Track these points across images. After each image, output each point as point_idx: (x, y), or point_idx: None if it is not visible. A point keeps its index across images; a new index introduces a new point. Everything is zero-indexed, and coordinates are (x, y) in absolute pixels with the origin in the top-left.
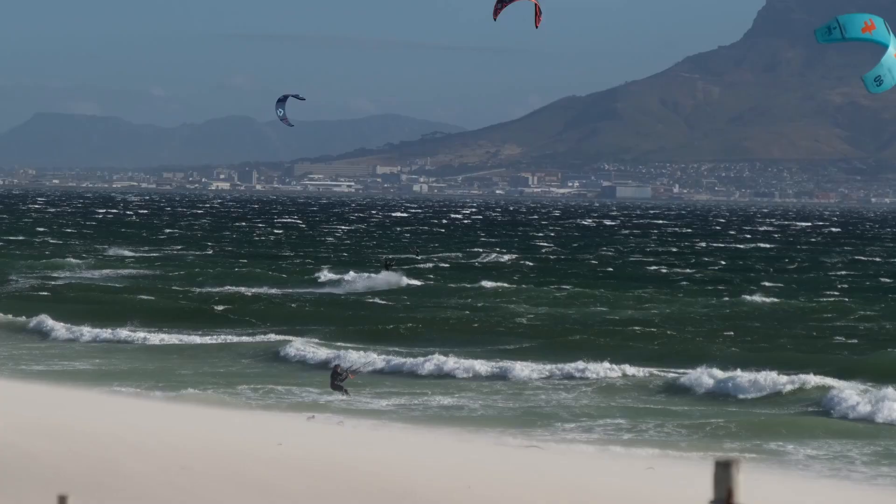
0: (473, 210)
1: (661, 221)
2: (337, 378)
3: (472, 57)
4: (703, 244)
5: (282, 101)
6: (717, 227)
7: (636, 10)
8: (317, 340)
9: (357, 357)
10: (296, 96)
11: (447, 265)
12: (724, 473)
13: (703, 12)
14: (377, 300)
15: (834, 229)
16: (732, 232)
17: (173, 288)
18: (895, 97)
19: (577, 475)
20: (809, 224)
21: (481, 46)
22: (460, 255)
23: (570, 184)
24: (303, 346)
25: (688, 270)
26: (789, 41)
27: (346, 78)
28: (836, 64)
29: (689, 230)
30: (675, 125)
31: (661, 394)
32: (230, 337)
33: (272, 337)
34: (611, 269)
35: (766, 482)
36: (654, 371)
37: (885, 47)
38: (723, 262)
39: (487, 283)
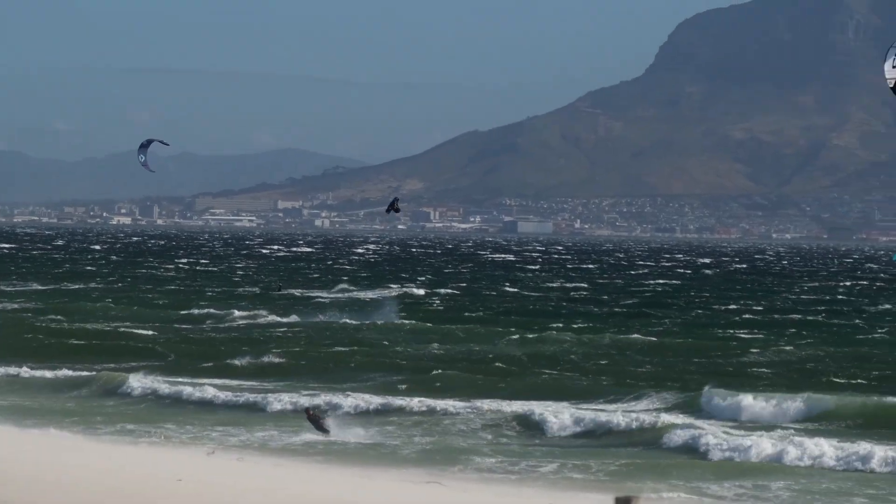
0: (373, 247)
1: (566, 256)
2: (318, 421)
3: (374, 91)
4: (606, 279)
5: (144, 146)
6: (622, 261)
7: (538, 45)
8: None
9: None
10: (160, 141)
11: (345, 298)
12: None
13: (605, 47)
14: (254, 334)
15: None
16: (646, 267)
17: (36, 324)
18: (794, 133)
19: None
20: (711, 260)
21: (384, 81)
22: (364, 290)
23: (471, 219)
24: (147, 380)
25: (593, 308)
26: (691, 76)
27: (248, 112)
28: (737, 99)
29: (593, 266)
30: (576, 160)
31: (537, 432)
32: (82, 372)
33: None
34: (512, 305)
35: None
36: (531, 407)
37: None
38: (632, 301)
39: (379, 321)
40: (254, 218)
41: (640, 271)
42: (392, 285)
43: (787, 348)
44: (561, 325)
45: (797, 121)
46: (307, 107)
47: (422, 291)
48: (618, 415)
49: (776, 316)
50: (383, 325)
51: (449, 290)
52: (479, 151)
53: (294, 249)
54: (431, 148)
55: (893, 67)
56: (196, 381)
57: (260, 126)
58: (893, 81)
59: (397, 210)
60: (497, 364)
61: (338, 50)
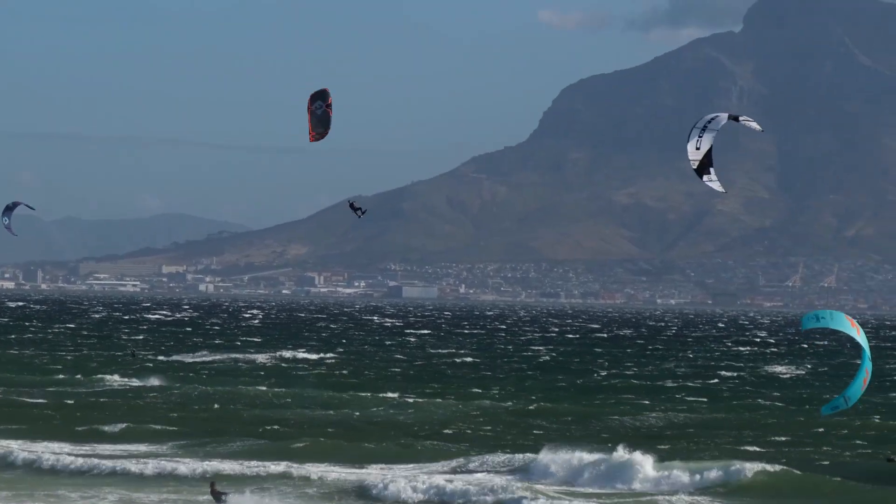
0: (258, 312)
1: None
2: (220, 497)
3: (259, 156)
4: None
5: (9, 209)
6: (513, 327)
7: (422, 110)
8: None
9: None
10: (26, 205)
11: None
12: None
13: (489, 112)
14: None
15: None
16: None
17: None
18: (679, 199)
19: None
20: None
21: (269, 146)
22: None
23: (356, 283)
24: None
25: (483, 373)
26: (575, 141)
27: (133, 176)
28: (621, 165)
29: (482, 331)
30: (461, 225)
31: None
32: None
33: None
34: (398, 370)
35: None
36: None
37: (863, 356)
38: (520, 366)
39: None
40: (137, 283)
41: (531, 336)
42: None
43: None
44: (439, 388)
45: (681, 186)
46: (192, 171)
47: (307, 355)
48: (457, 482)
49: (666, 381)
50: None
51: (333, 355)
52: (363, 216)
53: (178, 315)
54: (316, 212)
55: (697, 149)
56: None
57: (144, 190)
58: (696, 163)
59: (361, 211)
60: (363, 428)
61: (222, 114)
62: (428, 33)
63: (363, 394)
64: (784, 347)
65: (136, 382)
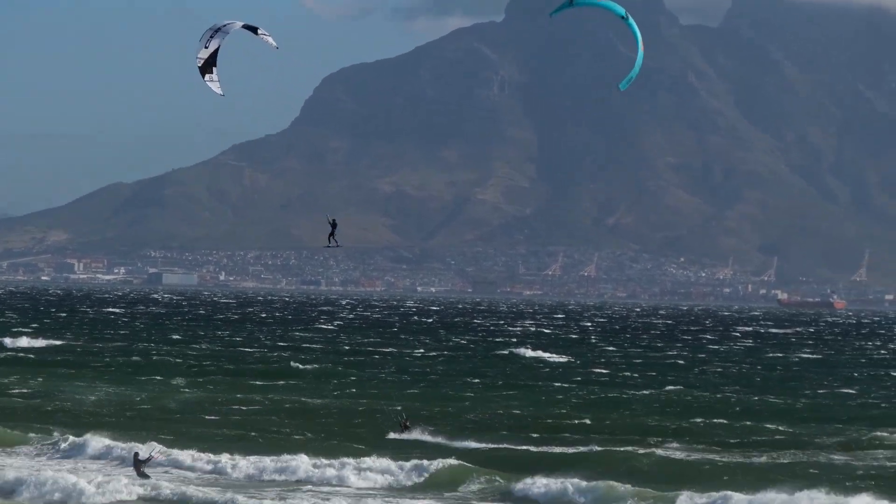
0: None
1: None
2: (141, 465)
3: (17, 142)
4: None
5: None
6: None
7: (182, 97)
8: None
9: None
10: None
11: None
12: None
13: (250, 100)
14: None
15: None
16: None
17: None
18: (440, 188)
19: None
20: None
21: (27, 132)
22: None
23: (116, 270)
24: None
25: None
26: (336, 130)
27: None
28: (382, 154)
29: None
30: (222, 213)
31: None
32: None
33: None
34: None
35: None
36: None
37: (620, 16)
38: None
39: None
40: None
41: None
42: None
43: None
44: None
45: (442, 175)
46: None
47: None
48: None
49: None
50: None
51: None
52: (124, 203)
53: None
54: (76, 199)
55: (206, 48)
56: None
57: None
58: (201, 62)
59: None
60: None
61: None
62: (191, 18)
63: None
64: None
65: None
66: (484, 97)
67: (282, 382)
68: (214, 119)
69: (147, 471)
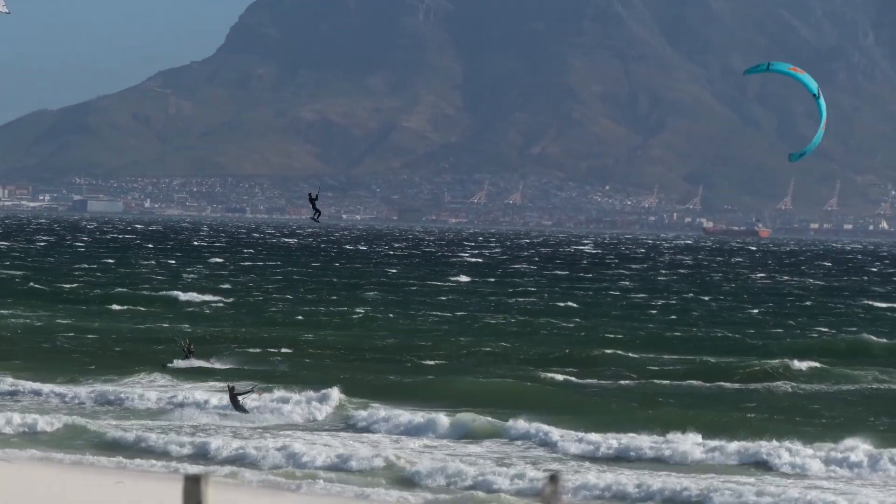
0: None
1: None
2: (237, 399)
3: None
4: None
5: None
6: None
7: (108, 23)
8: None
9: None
10: None
11: None
12: (193, 488)
13: (175, 27)
14: None
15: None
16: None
17: None
18: (365, 115)
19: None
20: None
21: None
22: None
23: (41, 197)
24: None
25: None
26: (261, 57)
27: None
28: (308, 82)
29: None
30: (147, 140)
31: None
32: None
33: None
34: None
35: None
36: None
37: (812, 95)
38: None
39: None
40: None
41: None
42: None
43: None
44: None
45: (368, 103)
46: None
47: None
48: None
49: None
50: None
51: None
52: (48, 130)
53: None
54: (0, 126)
55: None
56: None
57: None
58: None
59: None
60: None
61: None
62: None
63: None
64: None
65: None
66: (410, 25)
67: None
68: (139, 45)
69: None
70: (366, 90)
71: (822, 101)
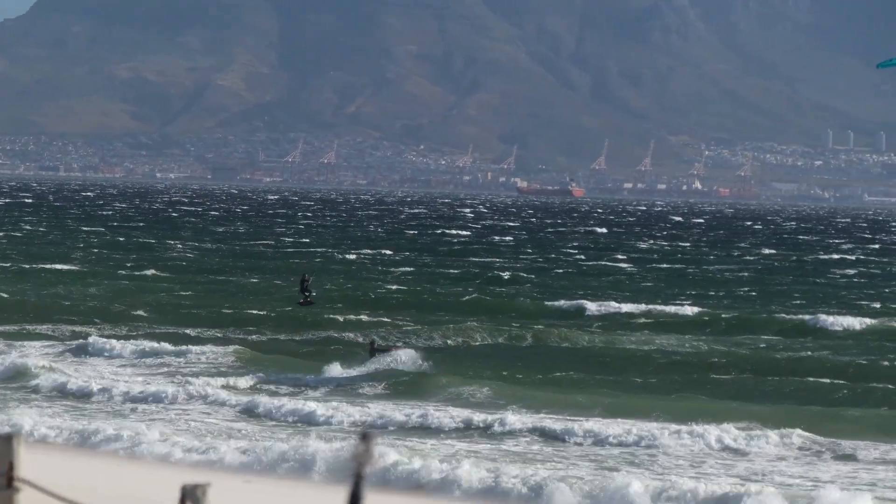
0: None
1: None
2: (376, 353)
3: None
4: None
5: None
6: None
7: None
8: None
9: None
10: None
11: None
12: (4, 447)
13: None
14: None
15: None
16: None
17: None
18: (180, 74)
19: None
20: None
21: None
22: None
23: None
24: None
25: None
26: (77, 15)
27: None
28: (123, 39)
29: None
30: None
31: None
32: None
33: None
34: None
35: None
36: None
37: None
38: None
39: None
40: None
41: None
42: None
43: None
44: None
45: (182, 62)
46: None
47: None
48: None
49: None
50: None
51: None
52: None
53: None
54: None
55: None
56: None
57: None
58: None
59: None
60: None
61: None
62: None
63: None
64: None
65: None
66: None
67: None
68: None
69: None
70: (181, 48)
71: None
